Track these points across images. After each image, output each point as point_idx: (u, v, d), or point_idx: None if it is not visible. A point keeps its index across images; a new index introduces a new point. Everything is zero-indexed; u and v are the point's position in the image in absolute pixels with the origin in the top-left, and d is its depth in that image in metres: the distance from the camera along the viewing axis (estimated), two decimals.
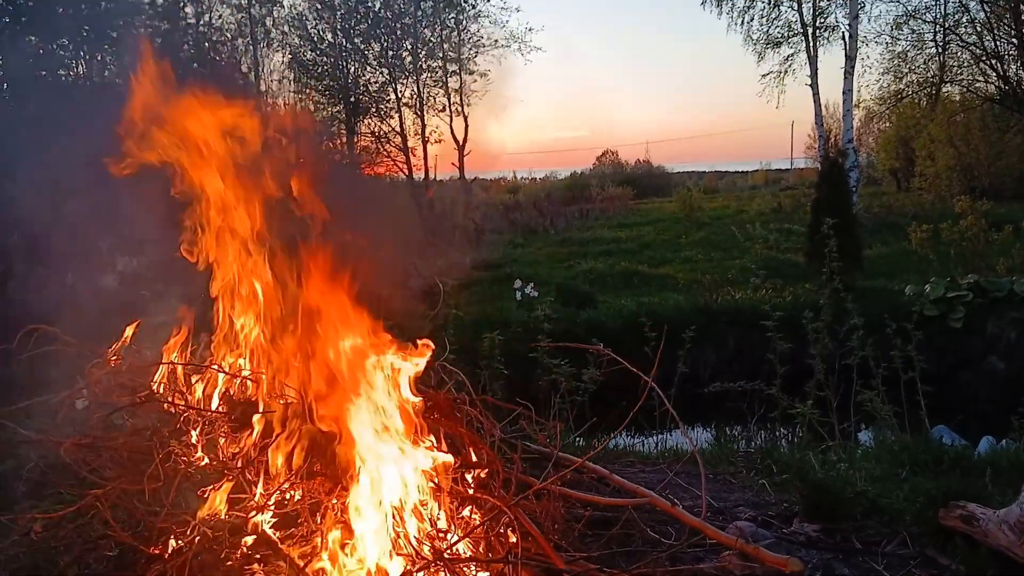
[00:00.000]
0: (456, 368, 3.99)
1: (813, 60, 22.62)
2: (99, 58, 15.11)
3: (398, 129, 25.89)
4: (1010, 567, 2.77)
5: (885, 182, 30.07)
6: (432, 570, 2.62)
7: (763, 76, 26.53)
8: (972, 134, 23.59)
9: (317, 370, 2.92)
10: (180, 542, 2.78)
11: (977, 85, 26.44)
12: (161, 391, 3.11)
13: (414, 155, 26.18)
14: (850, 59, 20.69)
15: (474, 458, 3.12)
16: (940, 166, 22.95)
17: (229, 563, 2.88)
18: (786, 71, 25.73)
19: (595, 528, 3.22)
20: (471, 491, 2.98)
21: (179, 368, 3.13)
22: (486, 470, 3.07)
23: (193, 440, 2.87)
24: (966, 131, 23.74)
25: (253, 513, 2.77)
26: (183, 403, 2.97)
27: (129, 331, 3.32)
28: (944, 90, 27.57)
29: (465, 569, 2.68)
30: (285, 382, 3.12)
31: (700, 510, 3.23)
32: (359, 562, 2.64)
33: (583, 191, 32.99)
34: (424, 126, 26.33)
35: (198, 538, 2.79)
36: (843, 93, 20.93)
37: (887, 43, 27.78)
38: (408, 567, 2.58)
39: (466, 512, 2.96)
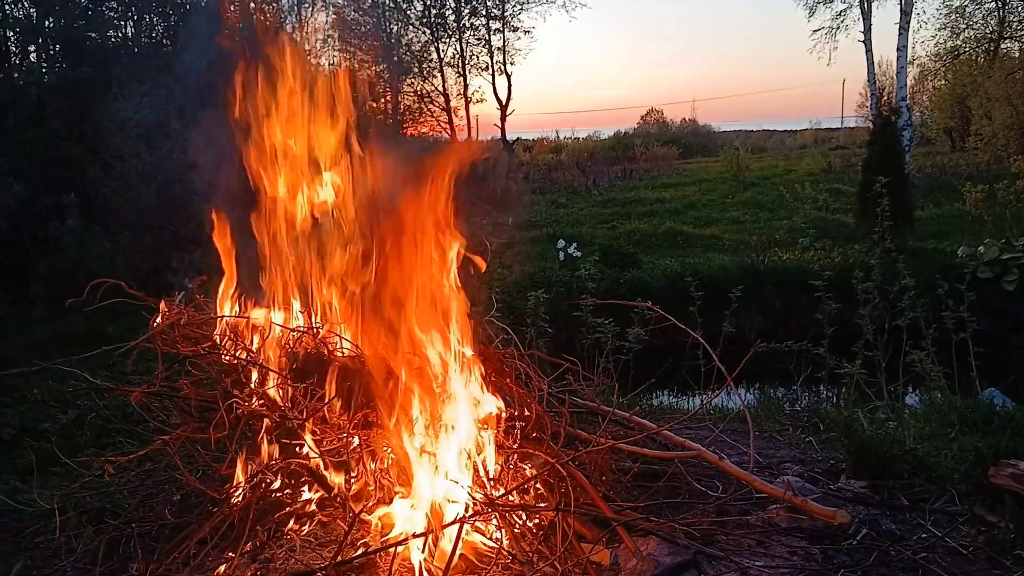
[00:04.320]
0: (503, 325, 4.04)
1: (867, 15, 21.98)
2: (147, 19, 15.30)
3: (441, 89, 25.92)
4: None
5: (939, 141, 29.24)
6: (484, 516, 2.70)
7: (814, 32, 26.01)
8: None
9: (377, 323, 3.00)
10: (244, 487, 2.90)
11: None
12: (222, 343, 3.22)
13: (456, 115, 26.23)
14: (905, 14, 20.09)
15: (524, 411, 3.18)
16: (997, 125, 22.25)
17: (289, 508, 3.00)
18: (838, 27, 25.15)
19: (642, 481, 3.28)
20: (519, 443, 3.04)
21: (240, 321, 3.22)
22: (535, 423, 3.13)
23: (254, 390, 2.97)
24: None
25: (312, 460, 2.88)
26: (245, 355, 3.07)
27: (192, 285, 3.43)
28: (1003, 46, 26.67)
29: (515, 516, 2.76)
30: (343, 336, 3.21)
31: (747, 464, 3.26)
32: (413, 507, 2.72)
33: (627, 151, 32.64)
34: (466, 85, 26.33)
35: (260, 484, 2.91)
36: (897, 50, 20.38)
37: None
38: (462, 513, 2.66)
39: (514, 462, 3.03)
